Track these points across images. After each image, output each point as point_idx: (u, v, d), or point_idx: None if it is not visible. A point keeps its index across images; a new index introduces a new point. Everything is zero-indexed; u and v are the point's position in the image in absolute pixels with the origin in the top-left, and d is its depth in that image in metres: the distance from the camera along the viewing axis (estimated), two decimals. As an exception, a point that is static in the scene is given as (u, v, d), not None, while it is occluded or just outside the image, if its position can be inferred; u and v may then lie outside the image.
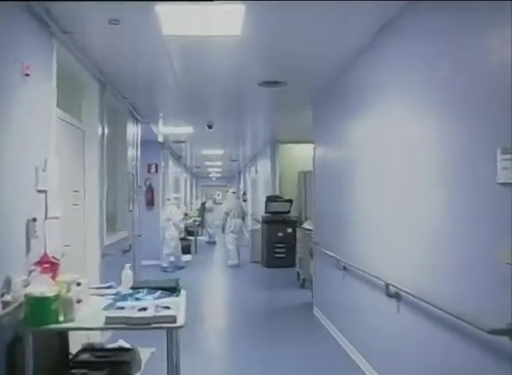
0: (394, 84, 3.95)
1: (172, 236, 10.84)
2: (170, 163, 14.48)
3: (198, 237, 16.79)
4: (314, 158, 7.12)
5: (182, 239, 13.72)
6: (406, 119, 3.71)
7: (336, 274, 5.60)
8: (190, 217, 17.95)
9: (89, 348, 3.87)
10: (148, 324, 2.90)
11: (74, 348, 3.81)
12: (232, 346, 5.98)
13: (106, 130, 5.88)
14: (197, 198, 29.90)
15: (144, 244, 11.20)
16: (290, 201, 11.52)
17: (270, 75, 5.81)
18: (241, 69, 5.57)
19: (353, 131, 5.21)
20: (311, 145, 9.67)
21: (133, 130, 8.00)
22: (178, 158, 15.73)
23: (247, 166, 19.95)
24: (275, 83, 5.98)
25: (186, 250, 13.37)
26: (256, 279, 10.30)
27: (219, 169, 24.38)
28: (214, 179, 30.22)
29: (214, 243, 17.50)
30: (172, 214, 10.81)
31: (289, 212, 11.61)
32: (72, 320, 2.94)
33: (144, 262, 11.29)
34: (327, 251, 5.92)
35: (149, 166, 11.88)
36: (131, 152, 7.75)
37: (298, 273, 9.42)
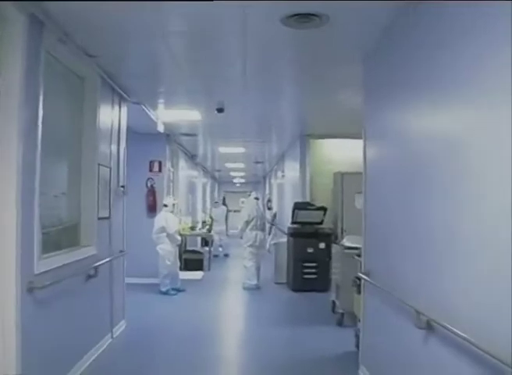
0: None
1: (166, 251, 8.65)
2: (182, 163, 12.38)
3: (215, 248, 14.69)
4: (365, 155, 4.85)
5: (190, 252, 11.62)
6: None
7: (407, 330, 3.35)
8: (206, 225, 15.81)
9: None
10: None
11: None
12: None
13: (42, 98, 3.77)
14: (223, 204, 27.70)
15: (142, 259, 9.19)
16: (324, 209, 9.27)
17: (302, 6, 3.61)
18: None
19: (437, 120, 3.00)
20: (351, 141, 7.46)
21: (114, 110, 5.89)
22: (192, 158, 13.61)
23: (273, 170, 17.74)
24: (309, 17, 3.76)
25: (196, 266, 11.24)
26: (279, 308, 8.02)
27: (243, 173, 22.23)
28: (237, 185, 28.08)
29: (227, 255, 15.29)
30: (168, 223, 8.64)
31: (321, 222, 9.36)
32: None
33: (142, 281, 9.27)
34: (391, 292, 3.68)
35: (151, 163, 9.78)
36: (107, 139, 5.64)
37: (334, 303, 7.17)
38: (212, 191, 24.68)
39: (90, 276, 4.87)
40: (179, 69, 5.43)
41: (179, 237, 9.00)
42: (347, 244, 6.57)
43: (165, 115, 7.76)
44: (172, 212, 8.88)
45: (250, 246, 9.50)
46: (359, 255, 5.43)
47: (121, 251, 6.11)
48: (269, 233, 12.98)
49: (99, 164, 5.21)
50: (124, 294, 6.41)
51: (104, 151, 5.48)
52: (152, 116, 7.59)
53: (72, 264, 4.40)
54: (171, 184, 11.19)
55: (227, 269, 12.86)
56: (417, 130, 3.40)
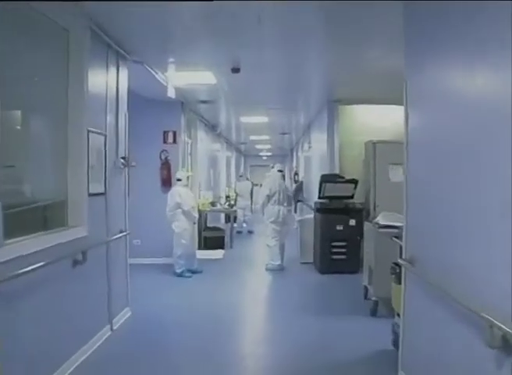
0: None
1: (181, 228, 7.88)
2: (201, 135, 11.56)
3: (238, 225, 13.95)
4: (406, 121, 3.91)
5: (211, 229, 10.88)
6: None
7: (469, 343, 2.50)
8: (231, 200, 15.06)
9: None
10: None
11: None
12: None
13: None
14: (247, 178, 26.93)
15: (156, 238, 8.53)
16: (355, 181, 8.36)
17: None
18: None
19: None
20: (384, 107, 6.68)
21: (110, 70, 5.07)
22: (213, 129, 12.75)
23: (300, 142, 16.80)
24: None
25: (217, 244, 10.50)
26: (305, 294, 7.17)
27: (268, 146, 21.31)
28: (264, 158, 27.18)
29: (251, 232, 14.49)
30: (183, 199, 7.84)
31: (352, 196, 8.47)
32: None
33: (156, 261, 8.61)
34: (445, 289, 2.81)
35: (165, 134, 8.97)
36: (101, 103, 4.84)
37: (366, 289, 6.33)
38: (238, 165, 23.87)
39: (77, 262, 4.12)
40: (188, 22, 4.58)
41: (196, 214, 8.22)
42: (382, 222, 5.69)
43: (175, 78, 6.89)
44: (186, 185, 8.07)
45: (273, 222, 8.66)
46: (397, 237, 4.56)
47: (122, 232, 5.36)
48: (295, 210, 12.10)
49: (89, 130, 4.41)
50: (128, 279, 5.69)
51: (96, 116, 4.69)
52: (160, 80, 6.74)
53: (51, 249, 3.64)
54: (189, 157, 10.40)
55: (250, 246, 12.09)
56: (473, 92, 2.50)
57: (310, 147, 12.57)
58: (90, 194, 4.44)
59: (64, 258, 3.89)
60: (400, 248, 4.14)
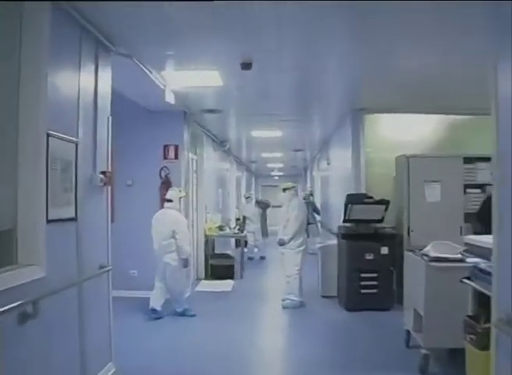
0: None
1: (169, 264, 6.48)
2: (208, 151, 10.43)
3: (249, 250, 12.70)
4: (497, 130, 2.72)
5: (219, 256, 9.70)
6: None
7: None
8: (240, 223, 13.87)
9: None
10: None
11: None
12: None
13: None
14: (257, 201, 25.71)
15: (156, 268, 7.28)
16: (386, 202, 7.15)
17: None
18: None
19: None
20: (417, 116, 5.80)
21: (85, 61, 3.94)
22: (221, 144, 11.61)
23: (315, 159, 15.63)
24: None
25: (226, 273, 9.30)
26: (330, 339, 5.87)
27: (281, 165, 20.15)
28: (276, 177, 25.99)
29: (263, 258, 13.21)
30: (180, 226, 6.45)
31: (382, 220, 7.26)
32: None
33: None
34: None
35: (165, 148, 7.85)
36: (70, 102, 3.71)
37: (408, 334, 5.08)
38: (248, 185, 22.74)
39: (26, 316, 2.94)
40: (191, 7, 3.47)
41: (187, 247, 6.53)
42: (433, 253, 4.48)
43: (174, 78, 5.77)
44: (178, 210, 6.68)
45: (298, 253, 7.32)
46: (469, 278, 3.36)
47: (102, 267, 4.18)
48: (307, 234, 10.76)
49: (49, 134, 3.27)
50: (111, 326, 4.46)
51: (63, 117, 3.55)
52: (156, 80, 5.62)
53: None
54: (194, 175, 9.26)
55: (263, 275, 10.81)
56: None
57: (328, 164, 11.38)
58: (51, 221, 3.27)
59: (6, 311, 2.71)
60: (474, 292, 2.94)
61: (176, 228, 6.40)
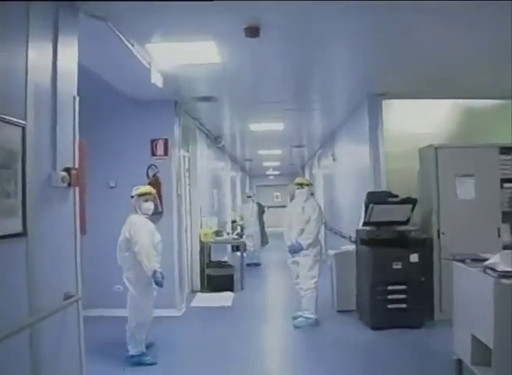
0: None
1: (142, 281, 4.89)
2: (202, 148, 9.35)
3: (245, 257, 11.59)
4: None
5: (216, 265, 8.65)
6: None
7: None
8: (237, 226, 12.85)
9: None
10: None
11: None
12: None
13: None
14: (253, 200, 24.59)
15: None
16: (413, 201, 6.12)
17: None
18: None
19: None
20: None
21: (30, 19, 2.84)
22: (216, 140, 10.51)
23: (316, 156, 14.56)
24: None
25: (224, 284, 8.23)
26: (354, 364, 4.83)
27: (277, 163, 19.07)
28: (271, 177, 24.86)
29: (258, 265, 12.03)
30: (136, 232, 4.75)
31: (407, 221, 6.23)
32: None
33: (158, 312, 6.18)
34: None
35: (153, 143, 6.75)
36: (12, 68, 2.63)
37: (460, 364, 4.05)
38: (243, 186, 21.68)
39: None
40: None
41: (155, 259, 4.78)
42: (504, 267, 3.44)
43: (162, 54, 4.69)
44: (136, 212, 4.96)
45: (316, 263, 6.19)
46: None
47: (69, 297, 3.09)
48: None
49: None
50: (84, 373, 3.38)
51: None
52: (139, 55, 4.53)
53: None
54: (186, 174, 8.18)
55: (266, 285, 9.72)
56: None
57: (334, 160, 10.31)
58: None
59: None
60: None
61: (132, 235, 4.74)
